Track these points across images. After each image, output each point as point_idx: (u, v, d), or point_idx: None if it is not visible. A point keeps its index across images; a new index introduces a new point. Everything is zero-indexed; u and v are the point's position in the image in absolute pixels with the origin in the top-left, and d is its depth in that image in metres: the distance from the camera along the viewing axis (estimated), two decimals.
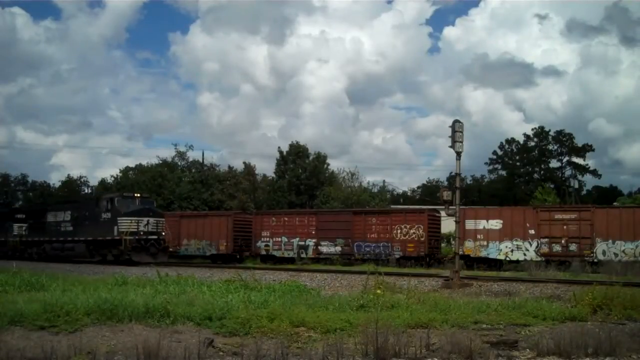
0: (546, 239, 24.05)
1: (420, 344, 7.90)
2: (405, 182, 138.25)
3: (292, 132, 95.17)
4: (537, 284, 15.53)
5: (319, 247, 29.05)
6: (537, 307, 10.56)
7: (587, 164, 64.48)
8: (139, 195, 30.21)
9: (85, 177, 75.44)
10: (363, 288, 12.63)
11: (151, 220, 27.88)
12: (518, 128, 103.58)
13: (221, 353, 7.68)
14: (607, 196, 55.89)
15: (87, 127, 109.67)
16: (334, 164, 53.53)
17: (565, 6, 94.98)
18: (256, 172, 54.51)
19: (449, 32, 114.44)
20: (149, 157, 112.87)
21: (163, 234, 28.07)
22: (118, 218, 27.74)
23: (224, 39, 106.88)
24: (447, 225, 26.69)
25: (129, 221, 27.47)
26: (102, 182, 66.32)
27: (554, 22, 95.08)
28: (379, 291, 11.31)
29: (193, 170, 58.00)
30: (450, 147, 16.67)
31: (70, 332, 8.24)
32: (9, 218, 37.74)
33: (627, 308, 10.49)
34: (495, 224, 24.99)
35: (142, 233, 27.21)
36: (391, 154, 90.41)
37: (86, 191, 68.67)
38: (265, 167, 62.41)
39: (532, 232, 24.34)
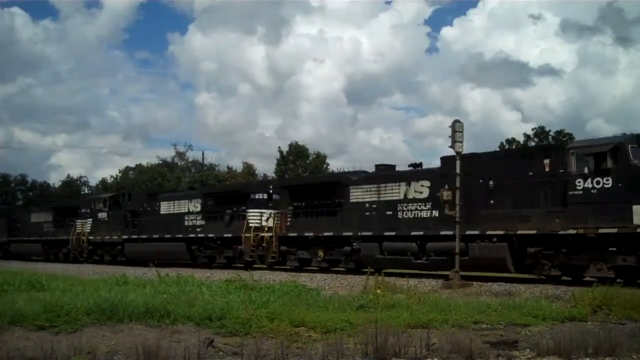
0: None
1: (420, 344, 7.90)
2: None
3: (290, 132, 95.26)
4: (537, 284, 15.52)
5: None
6: (537, 307, 10.55)
7: None
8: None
9: (85, 177, 75.58)
10: (363, 288, 12.63)
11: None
12: (516, 128, 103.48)
13: (221, 353, 7.68)
14: None
15: (86, 127, 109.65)
16: (333, 164, 53.69)
17: (562, 6, 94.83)
18: (256, 172, 54.64)
19: (447, 32, 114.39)
20: (149, 157, 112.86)
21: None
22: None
23: (220, 39, 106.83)
24: None
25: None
26: (103, 182, 66.46)
27: (549, 22, 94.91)
28: (378, 291, 11.31)
29: (193, 171, 58.09)
30: (450, 147, 16.68)
31: (70, 332, 8.24)
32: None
33: (627, 308, 10.47)
34: None
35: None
36: (389, 154, 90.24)
37: (86, 191, 68.73)
38: (263, 167, 62.52)
39: None
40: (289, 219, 23.05)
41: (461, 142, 16.60)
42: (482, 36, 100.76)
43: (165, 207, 28.74)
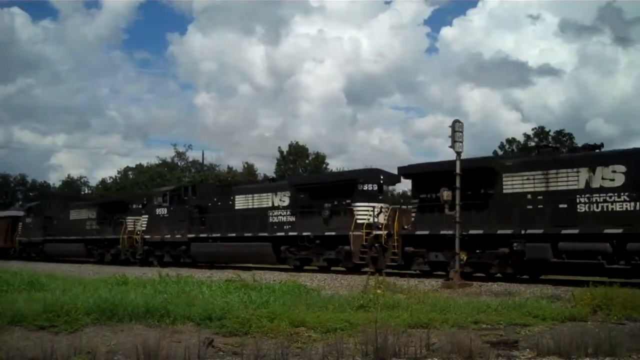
0: None
1: (420, 343, 7.90)
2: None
3: (290, 132, 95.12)
4: (537, 284, 15.52)
5: None
6: (537, 307, 10.57)
7: None
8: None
9: (85, 177, 75.61)
10: (363, 288, 12.63)
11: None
12: (516, 128, 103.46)
13: (221, 353, 7.67)
14: None
15: (86, 127, 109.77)
16: (332, 164, 53.74)
17: (561, 6, 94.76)
18: (256, 171, 54.65)
19: (446, 32, 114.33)
20: (148, 157, 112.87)
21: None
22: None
23: (220, 39, 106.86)
24: None
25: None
26: (103, 182, 66.45)
27: (548, 22, 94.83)
28: (378, 291, 11.31)
29: (193, 171, 58.08)
30: (450, 147, 16.68)
31: (70, 332, 8.23)
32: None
33: (627, 308, 10.48)
34: None
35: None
36: (388, 154, 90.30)
37: (87, 191, 68.76)
38: (263, 167, 62.40)
39: None
40: (413, 214, 19.96)
41: (461, 142, 16.61)
42: (482, 36, 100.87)
43: (241, 202, 24.97)
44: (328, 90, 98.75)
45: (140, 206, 30.06)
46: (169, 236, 27.36)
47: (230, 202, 25.36)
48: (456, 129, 16.60)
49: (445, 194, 17.20)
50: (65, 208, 36.35)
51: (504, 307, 10.62)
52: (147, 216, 28.96)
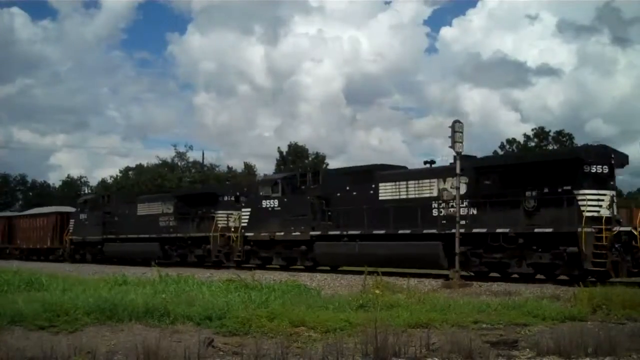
0: None
1: (420, 343, 7.91)
2: None
3: (289, 132, 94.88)
4: (537, 284, 15.52)
5: None
6: (537, 307, 10.56)
7: None
8: None
9: (85, 177, 75.60)
10: (362, 288, 12.63)
11: None
12: (515, 128, 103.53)
13: (221, 353, 7.68)
14: None
15: (85, 127, 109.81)
16: (332, 164, 53.79)
17: (560, 6, 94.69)
18: (256, 172, 54.70)
19: (446, 32, 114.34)
20: (148, 157, 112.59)
21: None
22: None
23: (219, 39, 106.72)
24: None
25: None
26: (103, 182, 66.45)
27: (546, 22, 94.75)
28: (377, 291, 11.30)
29: (193, 171, 58.07)
30: (450, 147, 16.70)
31: (70, 331, 8.23)
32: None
33: (626, 308, 10.49)
34: None
35: None
36: (388, 154, 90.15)
37: (86, 191, 68.75)
38: (262, 167, 62.48)
39: None
40: None
41: (461, 142, 16.63)
42: (482, 36, 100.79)
43: (384, 191, 19.99)
44: (327, 90, 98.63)
45: (231, 198, 25.74)
46: (282, 234, 22.48)
47: (372, 192, 20.27)
48: (456, 129, 16.61)
49: (445, 194, 17.31)
50: (130, 202, 31.67)
51: (503, 307, 10.62)
52: (248, 210, 23.99)
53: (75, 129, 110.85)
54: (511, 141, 65.33)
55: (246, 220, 23.89)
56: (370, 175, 20.76)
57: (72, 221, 34.37)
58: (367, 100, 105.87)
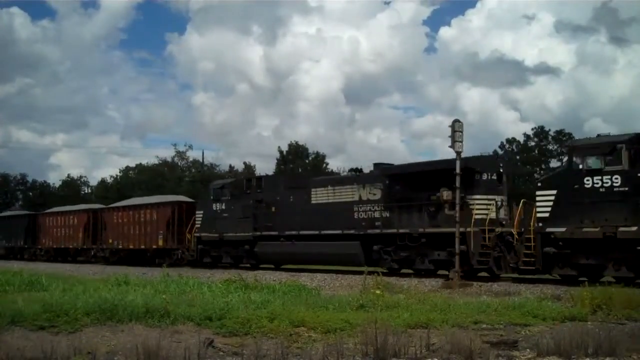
0: None
1: (420, 343, 7.90)
2: None
3: (288, 131, 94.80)
4: (537, 284, 15.52)
5: None
6: (537, 307, 10.57)
7: None
8: None
9: (85, 176, 75.58)
10: (362, 288, 12.63)
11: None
12: (514, 127, 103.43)
13: (221, 353, 7.68)
14: None
15: (85, 127, 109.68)
16: (331, 163, 53.80)
17: (560, 6, 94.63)
18: (256, 171, 54.69)
19: (445, 32, 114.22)
20: (148, 156, 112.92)
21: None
22: None
23: (217, 39, 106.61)
24: None
25: None
26: (103, 182, 66.48)
27: (543, 22, 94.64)
28: (377, 291, 11.31)
29: (193, 170, 58.10)
30: (450, 146, 16.71)
31: (70, 332, 8.23)
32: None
33: (627, 308, 10.50)
34: None
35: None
36: (387, 154, 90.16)
37: (87, 191, 68.78)
38: (261, 167, 62.40)
39: None
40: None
41: (461, 141, 16.64)
42: (481, 36, 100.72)
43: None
44: (326, 90, 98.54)
45: (495, 177, 18.48)
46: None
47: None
48: (456, 128, 16.63)
49: (445, 194, 17.35)
50: (298, 187, 23.12)
51: (504, 307, 10.62)
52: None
53: (74, 128, 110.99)
54: (511, 140, 65.30)
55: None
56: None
57: (199, 213, 26.57)
58: (367, 100, 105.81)
